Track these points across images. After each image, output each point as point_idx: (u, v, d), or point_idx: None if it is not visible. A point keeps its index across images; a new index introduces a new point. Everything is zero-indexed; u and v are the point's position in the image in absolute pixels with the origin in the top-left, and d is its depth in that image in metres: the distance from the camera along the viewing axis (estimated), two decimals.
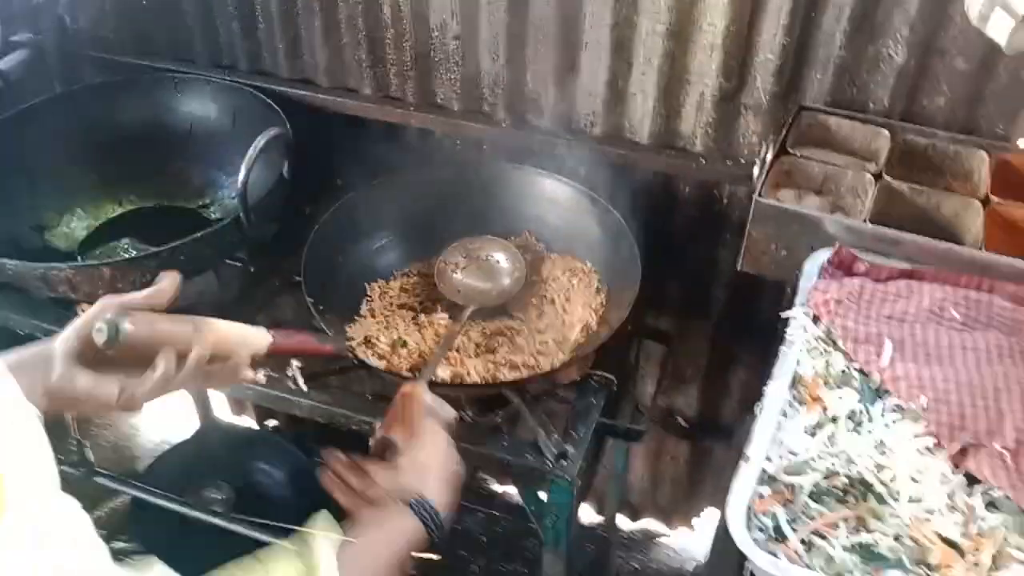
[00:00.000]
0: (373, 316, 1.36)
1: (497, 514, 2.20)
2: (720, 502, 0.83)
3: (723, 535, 0.83)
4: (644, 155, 1.47)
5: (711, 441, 1.95)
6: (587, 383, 1.26)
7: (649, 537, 2.19)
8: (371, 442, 1.00)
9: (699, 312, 1.69)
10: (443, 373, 1.23)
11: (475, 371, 1.25)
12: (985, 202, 1.16)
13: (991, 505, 0.84)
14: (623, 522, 2.17)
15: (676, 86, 1.39)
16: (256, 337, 0.94)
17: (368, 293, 1.40)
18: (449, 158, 1.65)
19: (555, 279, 1.41)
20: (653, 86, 1.40)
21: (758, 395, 0.94)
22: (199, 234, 1.26)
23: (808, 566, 0.79)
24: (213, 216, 1.57)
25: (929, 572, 0.79)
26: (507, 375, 1.25)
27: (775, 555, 0.80)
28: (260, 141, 1.27)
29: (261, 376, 1.21)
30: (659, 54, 1.35)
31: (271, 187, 1.37)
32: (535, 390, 1.24)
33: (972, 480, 0.86)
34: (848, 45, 1.26)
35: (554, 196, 1.45)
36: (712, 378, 1.82)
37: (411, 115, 1.59)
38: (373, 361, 1.25)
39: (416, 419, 0.99)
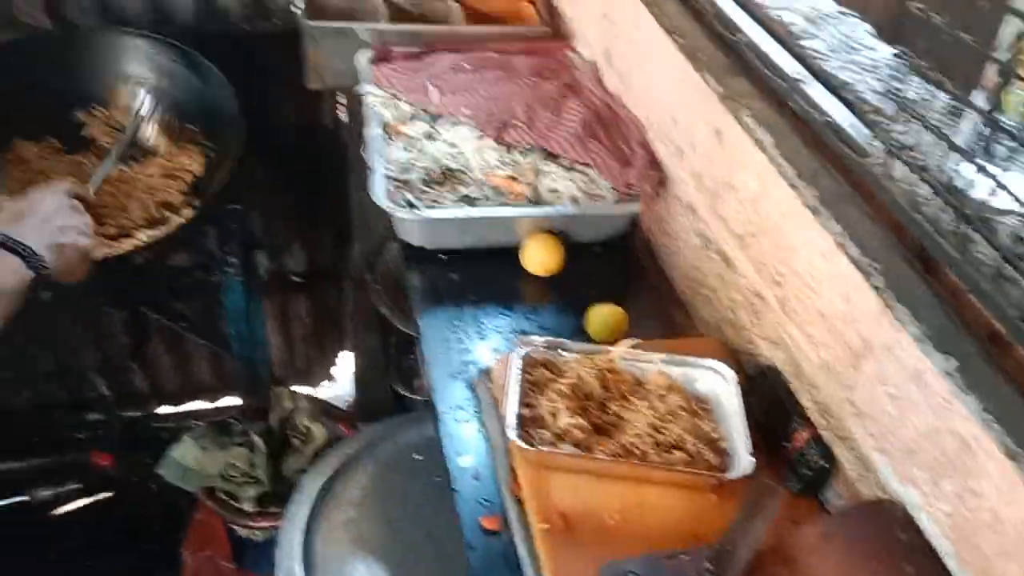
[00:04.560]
0: None
1: None
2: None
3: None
4: None
5: (323, 290, 2.28)
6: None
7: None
8: None
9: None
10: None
11: None
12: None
13: (523, 153, 1.30)
14: None
15: None
16: None
17: None
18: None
19: None
20: None
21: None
22: None
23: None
24: None
25: (503, 196, 1.22)
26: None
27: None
28: None
29: None
30: None
31: None
32: None
33: (511, 146, 1.31)
34: None
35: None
36: (309, 228, 2.13)
37: None
38: None
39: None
